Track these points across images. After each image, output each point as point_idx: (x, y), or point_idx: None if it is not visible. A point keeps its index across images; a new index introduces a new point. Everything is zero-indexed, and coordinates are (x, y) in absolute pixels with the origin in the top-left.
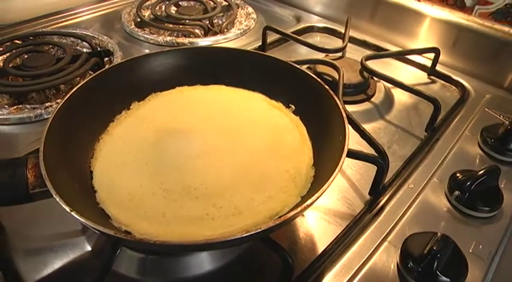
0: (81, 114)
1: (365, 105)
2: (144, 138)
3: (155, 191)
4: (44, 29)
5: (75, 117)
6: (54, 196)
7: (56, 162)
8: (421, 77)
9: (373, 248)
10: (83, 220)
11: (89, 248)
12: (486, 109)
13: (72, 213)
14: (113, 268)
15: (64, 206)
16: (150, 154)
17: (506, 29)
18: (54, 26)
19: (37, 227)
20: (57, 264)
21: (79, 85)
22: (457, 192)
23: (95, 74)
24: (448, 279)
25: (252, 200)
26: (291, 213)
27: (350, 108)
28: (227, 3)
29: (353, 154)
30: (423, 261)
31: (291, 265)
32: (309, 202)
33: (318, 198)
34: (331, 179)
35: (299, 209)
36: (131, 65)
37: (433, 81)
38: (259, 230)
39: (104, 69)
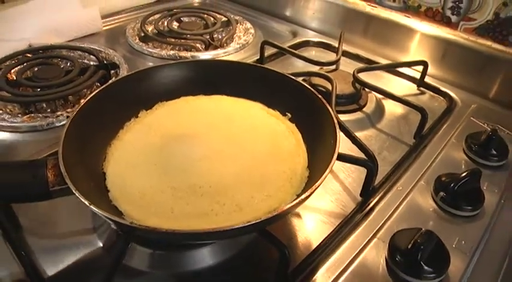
0: (94, 121)
1: (357, 115)
2: (151, 143)
3: (164, 190)
4: (53, 43)
5: (88, 124)
6: (74, 191)
7: (72, 164)
8: (411, 88)
9: (363, 244)
10: (101, 212)
11: (100, 245)
12: (471, 118)
13: (91, 206)
14: (123, 262)
15: (83, 200)
16: (158, 157)
17: (488, 43)
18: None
19: (51, 226)
20: (72, 259)
21: (92, 94)
22: (441, 193)
23: (107, 85)
24: (431, 270)
25: (252, 198)
26: (287, 206)
27: (343, 117)
28: (227, 19)
29: (344, 157)
30: (408, 253)
31: (288, 257)
32: (303, 197)
33: (311, 194)
34: (322, 177)
35: (294, 202)
36: (140, 76)
37: (422, 93)
38: (259, 220)
39: (114, 80)
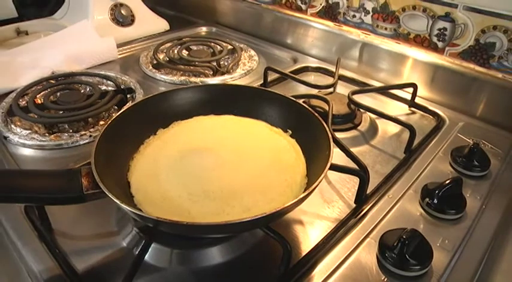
0: (119, 137)
1: (352, 133)
2: (169, 156)
3: (181, 195)
4: (73, 70)
5: (114, 140)
6: (107, 193)
7: (102, 173)
8: (403, 109)
9: (357, 242)
10: (131, 209)
11: (124, 245)
12: (458, 134)
13: (122, 204)
14: (145, 259)
15: (115, 200)
16: (175, 167)
17: (472, 66)
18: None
19: (79, 229)
20: (98, 257)
21: (117, 115)
22: (427, 199)
23: (129, 106)
24: (416, 262)
25: (258, 201)
26: (288, 204)
27: (339, 135)
28: (232, 47)
29: (339, 168)
30: (395, 249)
31: (290, 250)
32: (301, 196)
33: (308, 194)
34: (318, 180)
35: (294, 201)
36: (158, 99)
37: (413, 112)
38: (265, 214)
39: (136, 102)
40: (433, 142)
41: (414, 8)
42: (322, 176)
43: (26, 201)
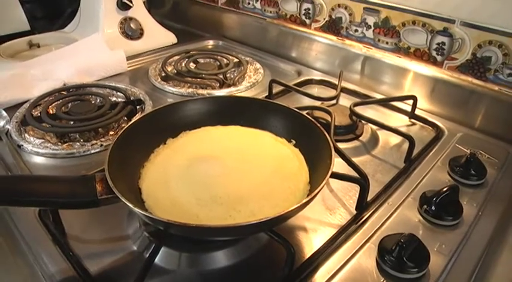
0: (130, 146)
1: (354, 143)
2: (178, 164)
3: (190, 200)
4: (84, 82)
5: (125, 149)
6: (120, 197)
7: (115, 179)
8: (404, 120)
9: (358, 247)
10: (144, 213)
11: (134, 248)
12: (456, 145)
13: (135, 208)
14: (155, 262)
15: (128, 203)
16: (184, 174)
17: (469, 79)
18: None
19: (91, 234)
20: (110, 260)
21: (129, 124)
22: (425, 206)
23: (140, 117)
24: (413, 265)
25: (263, 207)
26: (291, 208)
27: (341, 145)
28: (238, 60)
29: (339, 176)
30: (394, 252)
31: (293, 253)
32: (303, 201)
33: (310, 200)
34: (320, 187)
35: (296, 205)
36: (167, 109)
37: (414, 124)
38: (269, 218)
39: (146, 113)
40: (432, 152)
41: (414, 23)
42: (324, 182)
43: (43, 205)
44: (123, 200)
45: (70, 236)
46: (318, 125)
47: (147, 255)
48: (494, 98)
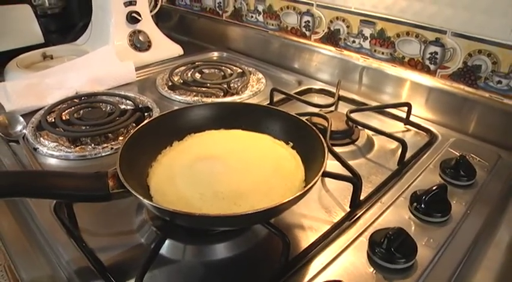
0: (138, 148)
1: (350, 147)
2: (183, 163)
3: (194, 195)
4: (95, 91)
5: (135, 150)
6: (131, 191)
7: (125, 176)
8: (399, 126)
9: (351, 240)
10: (154, 204)
11: (142, 241)
12: (449, 149)
13: (144, 200)
14: (161, 253)
15: (138, 196)
16: (189, 173)
17: (461, 86)
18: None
19: (102, 228)
20: (120, 252)
21: (138, 127)
22: (415, 204)
23: (149, 121)
24: (401, 256)
25: (261, 201)
26: (286, 200)
27: (338, 149)
28: (241, 71)
29: (333, 175)
30: (383, 244)
31: (288, 243)
32: (297, 194)
33: (304, 193)
34: (313, 182)
35: (291, 197)
36: (174, 114)
37: (408, 130)
38: (266, 208)
39: (154, 117)
40: (425, 156)
41: (408, 34)
42: (317, 178)
43: (61, 198)
44: (133, 192)
45: (83, 230)
46: (313, 127)
47: (155, 244)
48: (486, 104)
